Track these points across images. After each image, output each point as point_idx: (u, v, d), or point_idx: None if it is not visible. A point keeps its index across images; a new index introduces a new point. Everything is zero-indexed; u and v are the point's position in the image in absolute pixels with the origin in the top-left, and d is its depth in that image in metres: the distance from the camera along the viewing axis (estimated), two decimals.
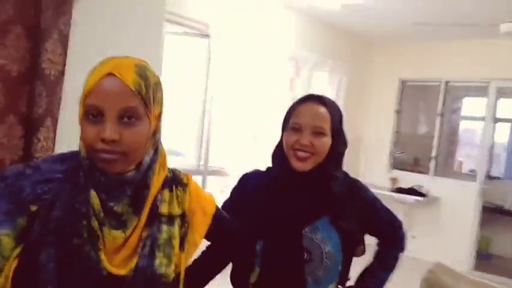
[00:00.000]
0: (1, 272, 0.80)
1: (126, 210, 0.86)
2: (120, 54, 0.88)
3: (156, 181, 0.93)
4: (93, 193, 0.84)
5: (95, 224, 0.83)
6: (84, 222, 0.83)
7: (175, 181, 1.00)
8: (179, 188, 0.99)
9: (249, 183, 1.35)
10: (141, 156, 0.87)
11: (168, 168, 1.01)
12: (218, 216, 1.07)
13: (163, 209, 0.93)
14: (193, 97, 3.62)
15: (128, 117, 0.82)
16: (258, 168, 1.40)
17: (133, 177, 0.87)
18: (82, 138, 0.84)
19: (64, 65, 1.80)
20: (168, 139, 3.88)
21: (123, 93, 0.81)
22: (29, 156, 1.74)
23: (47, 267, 0.79)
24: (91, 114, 0.81)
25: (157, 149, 0.93)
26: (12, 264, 0.80)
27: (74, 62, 1.85)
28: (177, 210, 0.96)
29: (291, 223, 1.21)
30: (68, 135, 1.89)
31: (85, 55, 1.91)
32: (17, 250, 0.81)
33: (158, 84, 0.90)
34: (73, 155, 0.91)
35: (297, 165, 1.22)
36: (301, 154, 1.21)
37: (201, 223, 1.01)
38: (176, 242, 0.93)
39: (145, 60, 0.92)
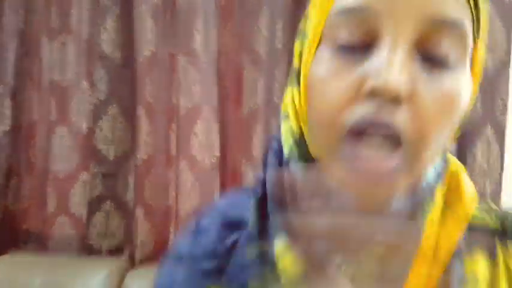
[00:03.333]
0: None
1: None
2: None
3: (442, 225, 0.40)
4: (280, 247, 0.38)
5: None
6: None
7: (505, 237, 0.41)
8: None
9: None
10: (434, 158, 0.37)
11: (490, 207, 0.44)
12: None
13: None
14: None
15: (437, 50, 0.34)
16: None
17: (399, 210, 0.36)
18: (314, 101, 0.37)
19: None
20: None
21: None
22: None
23: None
24: (341, 41, 0.35)
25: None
26: None
27: None
28: None
29: None
30: None
31: None
32: None
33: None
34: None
35: None
36: None
37: None
38: None
39: None
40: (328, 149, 0.36)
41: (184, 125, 1.44)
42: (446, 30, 0.33)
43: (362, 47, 0.34)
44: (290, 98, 0.41)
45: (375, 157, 0.33)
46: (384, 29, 0.33)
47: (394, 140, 0.33)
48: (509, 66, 1.25)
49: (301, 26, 0.41)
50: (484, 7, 0.36)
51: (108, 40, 1.47)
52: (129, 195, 1.53)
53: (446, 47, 0.34)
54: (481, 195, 1.25)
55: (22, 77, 1.54)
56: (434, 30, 0.33)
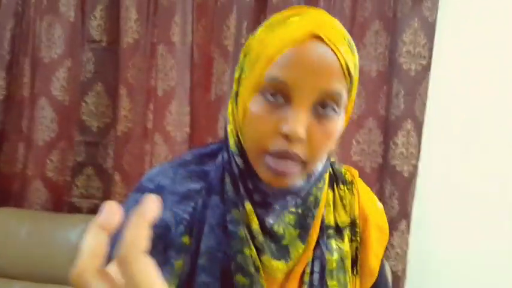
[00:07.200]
0: None
1: (290, 232, 0.62)
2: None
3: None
4: (248, 207, 0.60)
5: (253, 252, 0.60)
6: (246, 252, 0.60)
7: (337, 178, 0.69)
8: (342, 188, 0.68)
9: None
10: (318, 164, 0.61)
11: None
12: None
13: (329, 217, 0.66)
14: None
15: (324, 106, 0.56)
16: None
17: (301, 188, 0.61)
18: (249, 127, 0.58)
19: (429, 58, 1.50)
20: None
21: (332, 70, 0.54)
22: (387, 165, 1.57)
23: None
24: (270, 93, 0.55)
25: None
26: None
27: (442, 54, 1.52)
28: (345, 218, 0.67)
29: None
30: (435, 141, 1.57)
31: (455, 46, 1.54)
32: None
33: (357, 65, 0.61)
34: (212, 151, 0.67)
35: None
36: None
37: (376, 240, 0.68)
38: (348, 263, 0.66)
39: None
40: (256, 158, 0.57)
41: (160, 104, 1.67)
42: (331, 96, 0.55)
43: (279, 103, 0.55)
44: (230, 110, 0.63)
45: (278, 167, 0.55)
46: (293, 94, 0.54)
47: (295, 158, 0.55)
48: (428, 71, 1.53)
49: (240, 60, 0.63)
50: (356, 73, 0.58)
51: (95, 26, 1.68)
52: (109, 163, 1.76)
53: (331, 103, 0.55)
54: (400, 176, 1.54)
55: (17, 53, 1.73)
56: (324, 95, 0.54)
